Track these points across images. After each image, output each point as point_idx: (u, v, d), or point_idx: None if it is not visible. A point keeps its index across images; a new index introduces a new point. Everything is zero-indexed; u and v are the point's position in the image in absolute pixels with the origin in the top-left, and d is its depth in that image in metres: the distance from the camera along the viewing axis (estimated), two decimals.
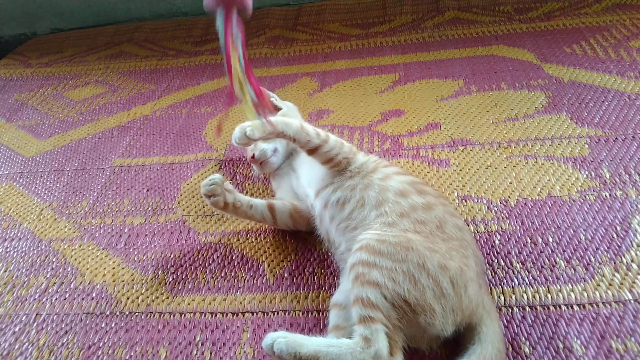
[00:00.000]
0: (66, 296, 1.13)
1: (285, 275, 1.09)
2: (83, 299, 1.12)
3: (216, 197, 1.09)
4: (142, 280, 1.13)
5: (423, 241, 0.87)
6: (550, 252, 1.05)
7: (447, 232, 0.91)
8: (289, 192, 1.23)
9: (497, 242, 1.09)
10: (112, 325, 1.05)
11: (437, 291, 0.83)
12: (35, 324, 1.08)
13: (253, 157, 1.25)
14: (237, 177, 1.41)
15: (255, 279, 1.10)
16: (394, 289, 0.82)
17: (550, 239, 1.08)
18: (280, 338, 0.83)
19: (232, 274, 1.11)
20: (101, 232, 1.29)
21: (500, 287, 0.99)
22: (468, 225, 1.12)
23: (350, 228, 0.97)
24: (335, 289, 1.02)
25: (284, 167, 1.29)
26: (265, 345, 0.83)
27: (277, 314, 1.01)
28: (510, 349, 0.88)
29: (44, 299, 1.13)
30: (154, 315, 1.05)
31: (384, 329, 0.81)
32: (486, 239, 1.10)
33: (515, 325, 0.92)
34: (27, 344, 1.03)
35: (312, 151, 1.06)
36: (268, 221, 1.16)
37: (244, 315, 1.02)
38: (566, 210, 1.14)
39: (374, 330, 0.81)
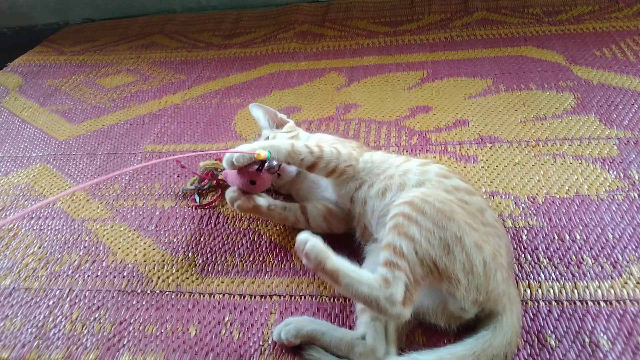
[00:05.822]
0: (98, 273, 1.16)
1: None
2: (115, 276, 1.15)
3: (239, 201, 1.10)
4: (173, 261, 1.16)
5: (466, 216, 0.88)
6: (578, 249, 1.05)
7: (487, 217, 0.92)
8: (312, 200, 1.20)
9: (524, 237, 1.09)
10: (143, 302, 1.07)
11: (467, 266, 0.84)
12: (68, 299, 1.11)
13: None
14: None
15: (282, 264, 1.12)
16: (427, 249, 0.83)
17: (578, 237, 1.08)
18: (311, 243, 0.87)
19: (261, 258, 1.14)
20: (133, 213, 1.32)
21: (527, 281, 1.00)
22: None
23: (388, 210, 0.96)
24: None
25: (302, 177, 1.24)
26: (299, 241, 0.88)
27: (304, 297, 1.03)
28: (536, 341, 0.89)
29: (77, 276, 1.16)
30: (184, 295, 1.08)
31: (405, 279, 0.83)
32: (513, 234, 1.10)
33: (541, 319, 0.93)
34: (60, 317, 1.07)
35: (311, 168, 1.07)
36: (301, 222, 1.14)
37: (271, 298, 1.04)
38: (594, 209, 1.14)
39: (396, 277, 0.83)
